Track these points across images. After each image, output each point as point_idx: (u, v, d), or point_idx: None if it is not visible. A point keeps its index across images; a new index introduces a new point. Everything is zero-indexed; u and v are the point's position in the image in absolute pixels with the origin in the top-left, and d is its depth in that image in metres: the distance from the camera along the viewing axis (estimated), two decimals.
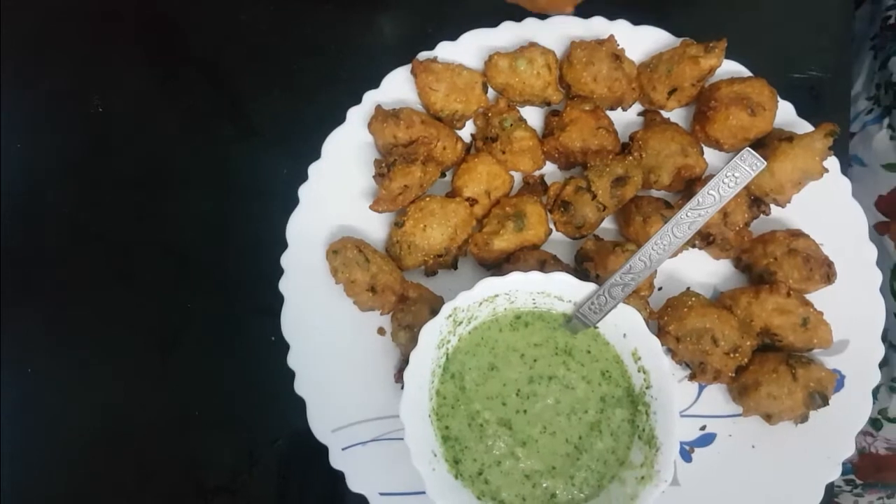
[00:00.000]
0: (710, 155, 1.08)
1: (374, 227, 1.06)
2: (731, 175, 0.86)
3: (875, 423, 1.24)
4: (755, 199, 1.04)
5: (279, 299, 1.01)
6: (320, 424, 0.97)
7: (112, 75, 1.20)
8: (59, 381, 1.06)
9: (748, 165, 0.86)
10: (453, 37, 1.12)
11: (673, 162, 1.04)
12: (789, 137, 1.02)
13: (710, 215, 0.87)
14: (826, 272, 0.98)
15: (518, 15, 1.13)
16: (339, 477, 0.95)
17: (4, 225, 1.12)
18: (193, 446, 1.04)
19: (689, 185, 1.06)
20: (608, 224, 1.09)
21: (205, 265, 1.11)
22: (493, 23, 1.13)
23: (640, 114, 1.13)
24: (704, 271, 1.06)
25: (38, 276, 1.11)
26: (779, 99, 1.06)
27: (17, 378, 1.06)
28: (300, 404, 0.98)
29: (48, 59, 1.22)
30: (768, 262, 1.00)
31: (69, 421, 1.05)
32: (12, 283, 1.10)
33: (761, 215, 1.05)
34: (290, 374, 0.98)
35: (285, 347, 0.99)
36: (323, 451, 0.96)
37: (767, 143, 1.04)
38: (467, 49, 1.12)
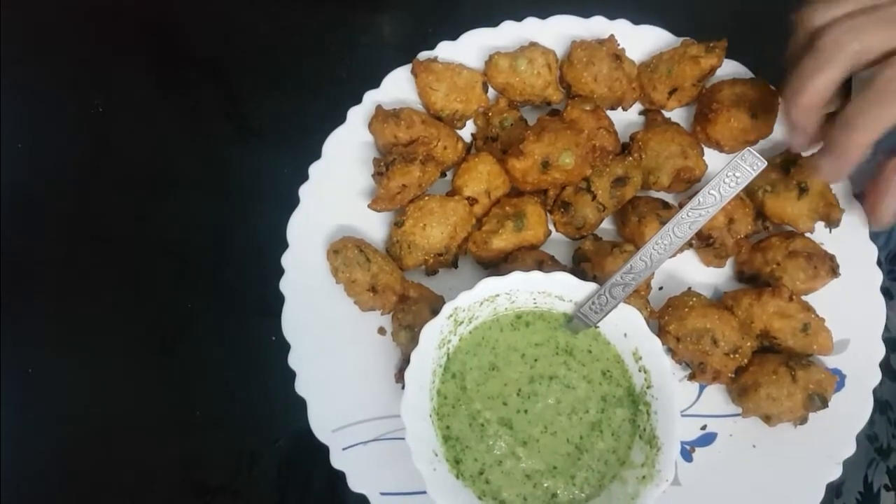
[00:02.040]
0: (712, 156, 1.08)
1: (375, 227, 1.06)
2: (731, 175, 0.86)
3: None
4: (760, 213, 1.05)
5: (279, 299, 1.01)
6: (321, 424, 0.96)
7: (112, 75, 1.21)
8: (59, 381, 1.06)
9: (749, 165, 0.86)
10: (453, 36, 1.12)
11: (673, 164, 1.04)
12: (803, 187, 1.01)
13: (711, 215, 0.87)
14: (831, 266, 0.99)
15: (518, 14, 1.13)
16: (339, 477, 0.95)
17: (4, 225, 1.12)
18: (193, 446, 1.04)
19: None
20: (607, 224, 1.09)
21: (205, 265, 1.11)
22: (494, 23, 1.13)
23: (641, 113, 1.13)
24: (706, 271, 1.06)
25: (38, 277, 1.11)
26: (780, 99, 1.06)
27: (17, 378, 1.06)
28: (301, 404, 0.97)
29: (48, 59, 1.22)
30: (771, 268, 1.00)
31: (69, 421, 1.05)
32: (12, 283, 1.10)
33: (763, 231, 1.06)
34: (291, 374, 0.98)
35: (286, 347, 0.99)
36: (324, 451, 0.96)
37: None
38: (468, 49, 1.12)
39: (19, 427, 1.04)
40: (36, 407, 1.06)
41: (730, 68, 1.10)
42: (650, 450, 0.89)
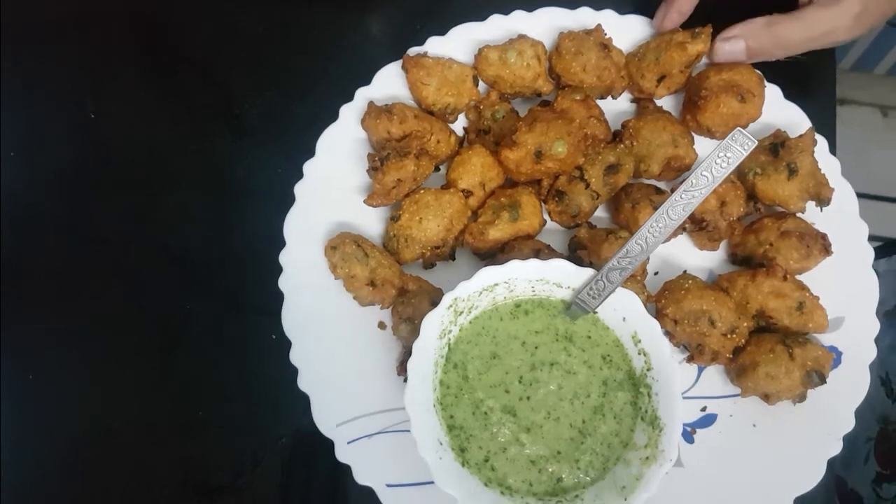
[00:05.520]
0: (702, 145, 1.09)
1: (371, 222, 1.07)
2: (723, 155, 0.87)
3: None
4: (751, 196, 1.06)
5: (279, 297, 1.01)
6: (325, 419, 0.97)
7: (106, 77, 1.21)
8: (59, 382, 1.06)
9: (739, 145, 0.87)
10: (442, 31, 1.13)
11: (663, 152, 1.05)
12: (792, 168, 1.02)
13: (704, 196, 0.88)
14: (823, 244, 1.00)
15: (506, 8, 1.14)
16: (343, 473, 0.95)
17: (3, 229, 1.12)
18: (196, 447, 1.04)
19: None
20: (600, 213, 1.10)
21: (203, 265, 1.11)
22: (482, 17, 1.14)
23: (632, 101, 1.15)
24: (700, 255, 1.07)
25: (37, 279, 1.11)
26: (766, 83, 1.07)
27: (17, 380, 1.05)
28: (302, 402, 0.98)
29: (43, 63, 1.22)
30: (764, 249, 1.01)
31: (69, 422, 1.04)
32: (12, 286, 1.09)
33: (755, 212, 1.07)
34: (292, 373, 0.98)
35: (286, 346, 0.99)
36: (326, 447, 0.96)
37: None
38: (457, 43, 1.13)
39: (19, 428, 1.04)
40: (36, 408, 1.06)
41: None
42: (653, 431, 0.90)
